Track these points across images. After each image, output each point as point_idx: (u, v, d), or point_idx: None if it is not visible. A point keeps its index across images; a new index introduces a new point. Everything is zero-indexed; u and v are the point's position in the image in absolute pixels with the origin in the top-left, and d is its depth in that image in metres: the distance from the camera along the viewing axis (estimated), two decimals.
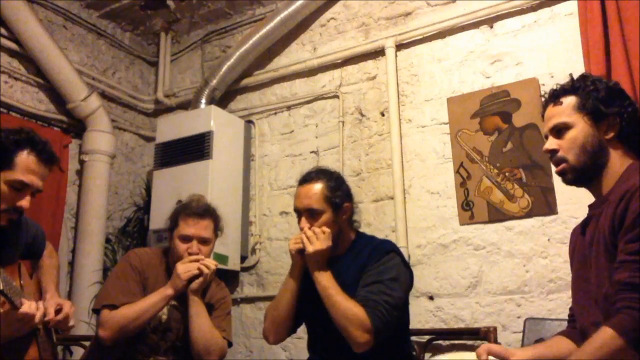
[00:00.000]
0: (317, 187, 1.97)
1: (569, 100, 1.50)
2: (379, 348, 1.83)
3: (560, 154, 1.49)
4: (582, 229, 1.56)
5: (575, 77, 1.56)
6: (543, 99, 1.60)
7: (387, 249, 1.97)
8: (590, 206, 1.55)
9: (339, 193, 1.99)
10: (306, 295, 1.99)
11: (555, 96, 1.54)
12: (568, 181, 1.53)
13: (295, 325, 2.08)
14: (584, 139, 1.46)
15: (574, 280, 1.57)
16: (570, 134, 1.48)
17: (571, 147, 1.47)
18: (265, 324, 2.06)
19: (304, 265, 1.96)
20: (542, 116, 1.59)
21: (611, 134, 1.47)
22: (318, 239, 1.90)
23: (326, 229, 1.93)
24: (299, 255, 1.95)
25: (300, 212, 2.00)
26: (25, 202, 1.67)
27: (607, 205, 1.41)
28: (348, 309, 1.79)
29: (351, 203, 2.05)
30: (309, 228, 1.94)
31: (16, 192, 1.66)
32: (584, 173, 1.48)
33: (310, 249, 1.89)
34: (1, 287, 1.43)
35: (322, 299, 1.86)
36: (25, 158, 1.66)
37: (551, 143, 1.51)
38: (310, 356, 2.08)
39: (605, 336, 1.23)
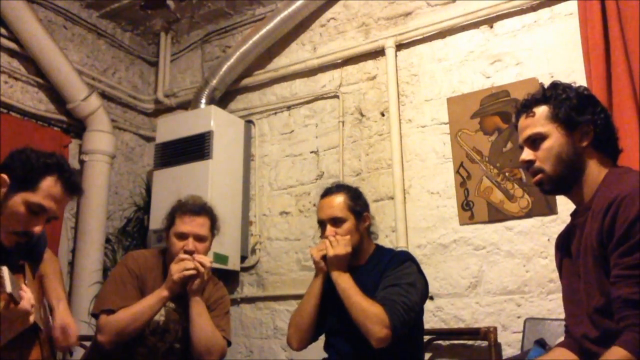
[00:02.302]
0: (340, 197, 2.13)
1: (542, 110, 1.50)
2: (394, 351, 1.92)
3: (536, 164, 1.49)
4: (566, 239, 1.55)
5: (545, 86, 1.55)
6: (515, 109, 1.60)
7: (406, 257, 2.12)
8: (572, 215, 1.54)
9: (360, 202, 2.16)
10: (328, 299, 2.09)
11: (527, 106, 1.53)
12: (546, 191, 1.54)
13: (318, 333, 2.17)
14: (559, 149, 1.46)
15: (564, 292, 1.57)
16: (545, 144, 1.47)
17: (547, 157, 1.47)
18: (289, 331, 2.16)
19: (327, 272, 2.08)
20: (515, 127, 1.59)
21: (585, 142, 1.46)
22: (339, 244, 2.04)
23: (347, 237, 2.06)
24: (323, 261, 2.07)
25: (324, 222, 2.13)
26: (38, 228, 1.64)
27: (590, 214, 1.40)
28: (367, 307, 1.90)
29: (369, 214, 2.20)
30: (334, 236, 2.07)
31: (32, 215, 1.63)
32: (561, 182, 1.48)
33: (330, 252, 2.03)
34: (10, 290, 1.42)
35: (341, 300, 1.96)
36: (50, 184, 1.63)
37: (527, 154, 1.51)
38: (328, 354, 2.13)
39: (617, 355, 1.22)
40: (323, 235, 2.12)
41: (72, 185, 1.70)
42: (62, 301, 1.89)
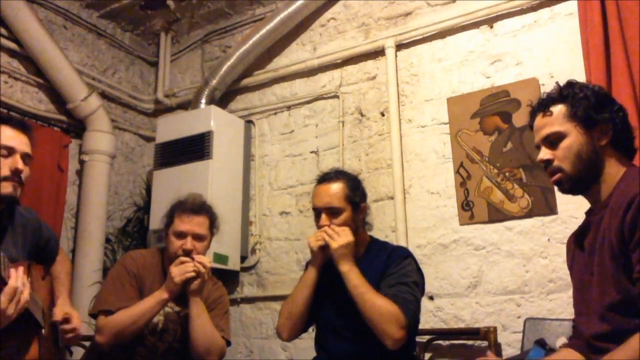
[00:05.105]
0: (338, 186, 2.03)
1: (559, 109, 1.49)
2: (392, 352, 1.86)
3: (555, 163, 1.48)
4: (579, 237, 1.54)
5: (561, 84, 1.54)
6: (530, 108, 1.58)
7: (405, 254, 2.05)
8: (587, 213, 1.54)
9: (358, 192, 2.06)
10: (321, 292, 2.03)
11: (544, 105, 1.52)
12: (564, 190, 1.53)
13: (308, 324, 2.11)
14: (578, 148, 1.45)
15: (575, 291, 1.55)
16: (564, 144, 1.46)
17: (566, 156, 1.46)
18: (280, 320, 2.07)
19: (323, 262, 2.01)
20: (531, 126, 1.58)
21: (604, 141, 1.46)
22: (340, 235, 1.95)
23: (345, 227, 1.98)
24: (321, 251, 1.99)
25: (319, 210, 2.03)
26: (18, 164, 1.70)
27: (607, 211, 1.39)
28: (383, 307, 1.82)
29: (366, 204, 2.11)
30: (329, 226, 1.98)
31: (5, 158, 1.70)
32: (580, 181, 1.47)
33: (334, 244, 1.94)
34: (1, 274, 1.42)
35: (352, 297, 1.88)
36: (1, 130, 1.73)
37: (545, 153, 1.50)
38: (318, 354, 2.09)
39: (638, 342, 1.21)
40: (318, 224, 2.04)
41: (16, 121, 1.80)
42: (61, 296, 1.94)
